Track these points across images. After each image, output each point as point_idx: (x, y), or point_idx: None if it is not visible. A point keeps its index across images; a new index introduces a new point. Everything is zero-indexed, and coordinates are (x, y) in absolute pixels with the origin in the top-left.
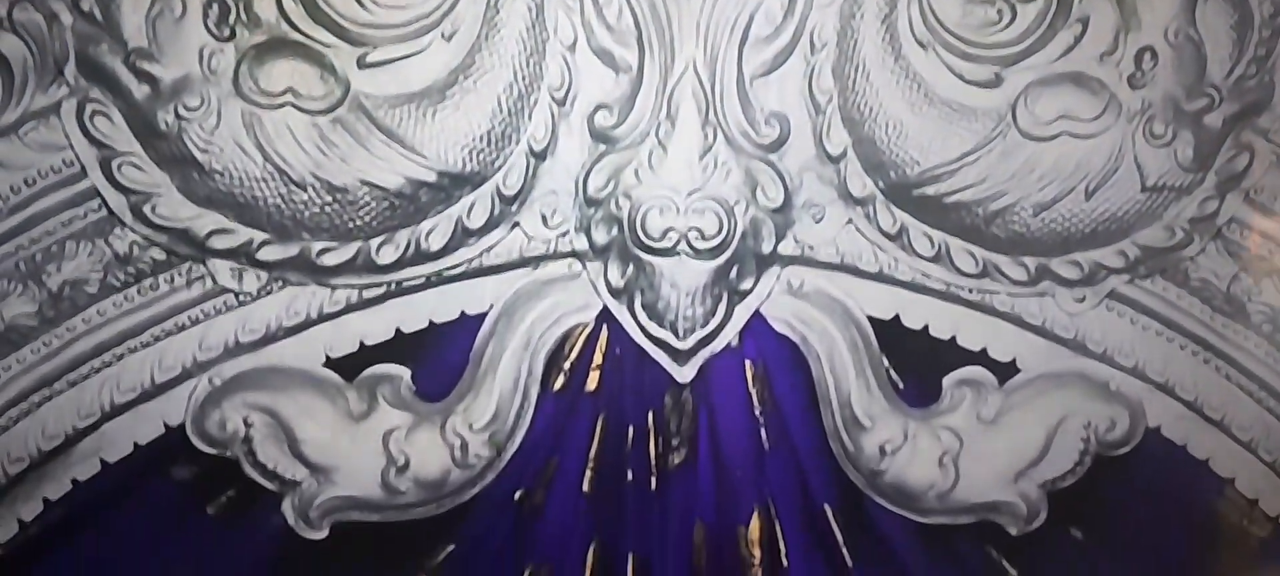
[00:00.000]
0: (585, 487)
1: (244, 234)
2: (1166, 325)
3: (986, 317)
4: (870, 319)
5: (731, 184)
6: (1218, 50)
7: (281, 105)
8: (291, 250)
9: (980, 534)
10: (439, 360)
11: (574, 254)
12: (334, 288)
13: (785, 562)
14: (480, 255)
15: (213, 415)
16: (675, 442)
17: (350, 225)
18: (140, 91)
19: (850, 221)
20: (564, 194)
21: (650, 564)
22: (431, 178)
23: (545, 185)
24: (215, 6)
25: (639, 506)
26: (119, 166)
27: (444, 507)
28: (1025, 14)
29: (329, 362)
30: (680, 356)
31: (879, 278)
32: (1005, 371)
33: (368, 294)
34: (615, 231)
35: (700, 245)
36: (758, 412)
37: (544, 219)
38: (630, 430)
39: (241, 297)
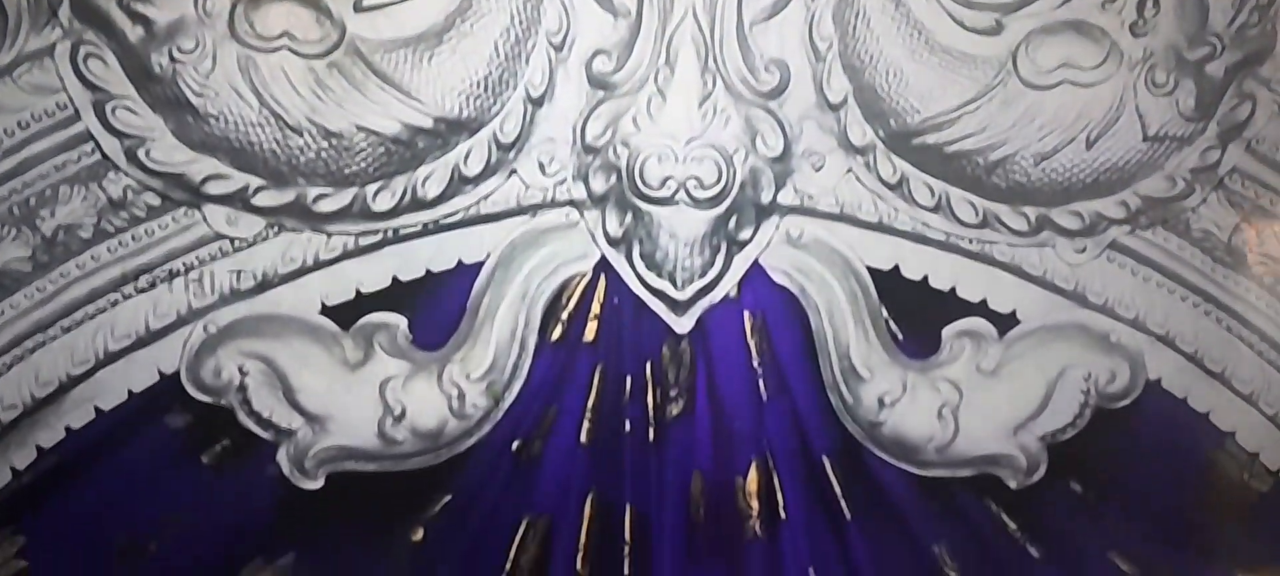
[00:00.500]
0: (583, 438)
1: (239, 179)
2: (1167, 276)
3: (986, 268)
4: (869, 269)
5: (731, 132)
6: None
7: (277, 49)
8: (287, 196)
9: (979, 486)
10: (436, 309)
11: (572, 202)
12: (330, 234)
13: (783, 514)
14: (477, 203)
15: (208, 362)
16: (673, 393)
17: (346, 171)
18: (134, 33)
19: (850, 170)
20: (562, 141)
21: (648, 514)
22: (428, 123)
23: (543, 132)
24: None
25: (637, 457)
26: (113, 110)
27: (441, 458)
28: None
29: (325, 310)
30: (678, 307)
31: (879, 228)
32: (1005, 323)
33: (364, 241)
34: (613, 179)
35: (699, 194)
36: (756, 364)
37: (541, 166)
38: (628, 381)
39: (237, 244)
